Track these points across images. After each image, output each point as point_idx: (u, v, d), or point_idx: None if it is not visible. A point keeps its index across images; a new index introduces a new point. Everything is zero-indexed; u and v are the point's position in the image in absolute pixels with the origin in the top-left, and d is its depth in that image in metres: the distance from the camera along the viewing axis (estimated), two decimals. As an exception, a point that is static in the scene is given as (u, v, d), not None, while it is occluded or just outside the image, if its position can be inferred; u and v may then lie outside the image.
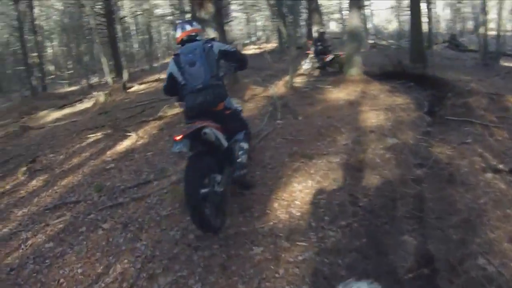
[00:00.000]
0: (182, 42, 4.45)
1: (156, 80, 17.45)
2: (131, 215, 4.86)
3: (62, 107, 14.90)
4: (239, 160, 4.43)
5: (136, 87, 16.66)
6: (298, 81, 11.15)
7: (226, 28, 35.82)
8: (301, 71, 13.16)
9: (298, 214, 4.28)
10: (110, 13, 19.96)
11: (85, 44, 21.45)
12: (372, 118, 7.15)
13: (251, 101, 8.74)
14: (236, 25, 40.25)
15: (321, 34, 14.04)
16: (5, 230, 5.47)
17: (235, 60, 4.62)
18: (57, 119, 12.56)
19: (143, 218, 4.70)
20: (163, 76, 18.31)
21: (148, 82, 17.46)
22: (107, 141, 8.28)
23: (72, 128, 10.51)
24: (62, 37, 30.19)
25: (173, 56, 4.41)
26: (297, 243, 3.76)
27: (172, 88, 4.52)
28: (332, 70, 12.97)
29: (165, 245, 4.07)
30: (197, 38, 4.47)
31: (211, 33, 8.87)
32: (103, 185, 5.95)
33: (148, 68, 24.15)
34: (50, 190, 6.40)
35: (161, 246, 4.07)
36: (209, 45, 4.28)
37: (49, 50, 35.19)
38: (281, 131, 6.76)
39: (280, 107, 7.88)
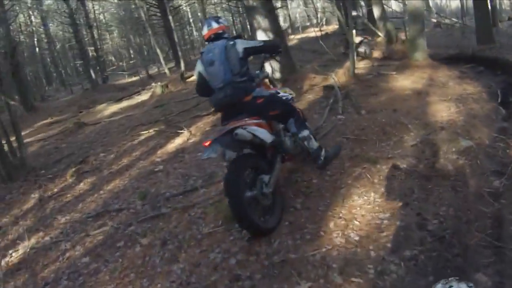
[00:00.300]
0: (210, 40, 4.46)
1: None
2: (172, 230, 4.56)
3: (120, 99, 15.15)
4: (310, 151, 4.48)
5: (195, 76, 16.52)
6: (361, 66, 10.43)
7: (285, 12, 35.42)
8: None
9: (357, 238, 3.70)
10: (162, 3, 19.97)
11: (142, 35, 21.48)
12: (442, 111, 6.40)
13: (309, 92, 8.19)
14: (295, 8, 39.44)
15: (354, 17, 13.63)
16: (46, 238, 5.49)
17: (266, 51, 4.74)
18: (114, 113, 12.74)
19: (183, 235, 4.38)
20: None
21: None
22: (159, 139, 8.16)
23: (127, 124, 10.56)
24: (120, 29, 31.00)
25: (200, 55, 4.51)
26: (352, 278, 3.20)
27: (204, 87, 4.56)
28: (360, 55, 13.01)
29: (203, 270, 3.70)
30: (225, 35, 4.45)
31: (260, 20, 8.41)
32: (148, 191, 5.77)
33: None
34: (95, 195, 6.36)
35: (199, 271, 3.70)
36: (231, 42, 4.25)
37: (109, 42, 36.42)
38: (342, 128, 6.18)
39: (341, 99, 7.28)
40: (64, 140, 10.80)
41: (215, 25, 4.47)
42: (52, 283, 4.39)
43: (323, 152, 4.55)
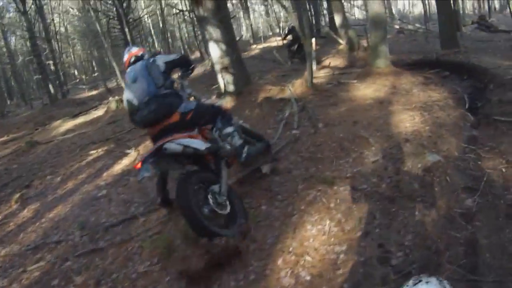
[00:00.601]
0: (130, 64, 4.44)
1: (176, 80, 16.86)
2: (107, 267, 4.22)
3: (76, 115, 14.58)
4: (234, 146, 4.36)
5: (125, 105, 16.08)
6: (321, 75, 9.98)
7: (247, 22, 35.11)
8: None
9: (308, 278, 3.30)
10: (120, 16, 19.43)
11: (103, 48, 20.78)
12: (406, 121, 5.93)
13: (264, 105, 7.75)
14: (258, 18, 39.20)
15: (291, 28, 15.39)
16: None
17: (183, 65, 4.59)
18: (68, 131, 12.22)
19: (118, 273, 4.04)
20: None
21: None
22: (107, 159, 7.76)
23: (79, 142, 10.10)
24: (82, 41, 30.20)
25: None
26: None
27: (136, 113, 4.20)
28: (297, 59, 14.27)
29: (134, 318, 3.37)
30: (144, 57, 4.44)
31: (212, 31, 8.05)
32: (88, 220, 5.39)
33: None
34: (37, 223, 5.96)
35: (130, 319, 3.37)
36: (151, 60, 4.25)
37: (72, 55, 35.46)
38: (296, 146, 5.78)
39: (297, 112, 6.87)
40: (16, 160, 10.24)
41: (134, 49, 4.57)
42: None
43: (245, 149, 4.43)
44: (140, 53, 4.50)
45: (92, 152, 8.57)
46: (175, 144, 3.72)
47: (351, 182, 4.48)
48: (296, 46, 15.03)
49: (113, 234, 4.87)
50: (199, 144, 3.90)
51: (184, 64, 4.59)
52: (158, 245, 4.08)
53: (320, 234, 3.77)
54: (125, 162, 7.15)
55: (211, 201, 3.79)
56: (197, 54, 26.26)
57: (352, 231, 3.69)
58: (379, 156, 4.98)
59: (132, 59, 4.44)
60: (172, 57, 4.43)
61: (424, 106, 6.41)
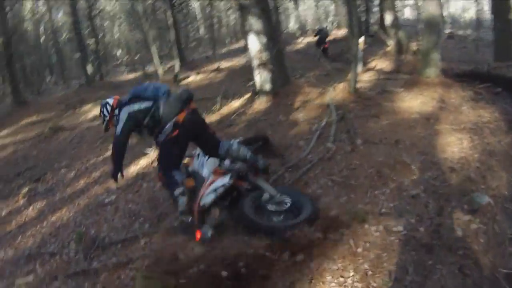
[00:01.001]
0: None
1: (215, 70, 16.44)
2: None
3: (108, 100, 14.32)
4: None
5: (191, 78, 15.76)
6: (365, 79, 9.28)
7: (294, 13, 34.22)
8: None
9: None
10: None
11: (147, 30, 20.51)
12: (453, 144, 5.27)
13: (301, 110, 7.11)
14: (307, 10, 38.09)
15: (320, 29, 18.14)
16: None
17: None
18: (96, 117, 11.91)
19: None
20: (224, 65, 17.51)
21: (206, 72, 16.48)
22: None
23: (102, 132, 9.72)
24: (128, 21, 30.14)
25: None
26: None
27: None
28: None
29: None
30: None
31: (253, 21, 7.40)
32: (87, 232, 5.01)
33: (212, 55, 23.16)
34: (38, 227, 5.68)
35: None
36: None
37: (117, 35, 35.57)
38: (329, 165, 5.15)
39: (335, 122, 6.21)
40: (36, 146, 10.11)
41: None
42: None
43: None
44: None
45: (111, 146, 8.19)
46: (207, 196, 4.08)
47: (385, 221, 3.85)
48: (321, 48, 16.79)
49: (109, 254, 4.45)
50: (222, 180, 4.19)
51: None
52: (150, 284, 3.54)
53: None
54: (142, 163, 6.72)
55: (271, 208, 4.13)
56: (241, 43, 25.73)
57: None
58: (420, 188, 4.34)
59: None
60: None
61: (473, 128, 5.72)
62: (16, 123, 14.14)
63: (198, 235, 3.89)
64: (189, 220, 4.09)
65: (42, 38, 30.19)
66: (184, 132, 4.11)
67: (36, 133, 11.34)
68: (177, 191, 4.07)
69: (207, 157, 4.55)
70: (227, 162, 4.45)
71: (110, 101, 4.41)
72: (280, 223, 3.96)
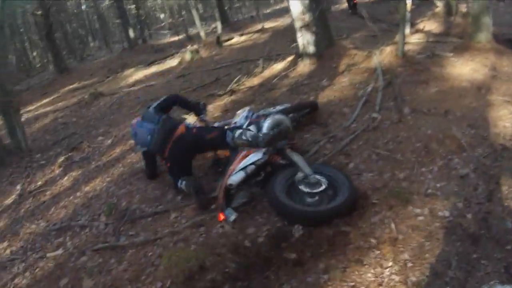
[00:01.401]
0: None
1: (259, 31, 16.01)
2: (118, 275, 3.66)
3: (150, 64, 14.29)
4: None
5: (235, 39, 15.44)
6: (413, 41, 8.75)
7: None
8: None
9: None
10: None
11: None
12: (505, 118, 4.84)
13: (346, 74, 6.75)
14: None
15: None
16: (7, 252, 4.94)
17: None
18: (137, 82, 11.97)
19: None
20: (268, 25, 17.03)
21: (250, 33, 16.09)
22: (162, 124, 7.20)
23: (143, 97, 9.70)
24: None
25: None
26: None
27: None
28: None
29: None
30: None
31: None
32: (119, 204, 4.89)
33: (255, 15, 22.59)
34: (71, 197, 5.63)
35: None
36: None
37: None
38: (373, 136, 4.83)
39: (381, 89, 5.84)
40: (77, 112, 10.17)
41: None
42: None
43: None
44: None
45: (150, 111, 8.09)
46: (235, 175, 3.93)
47: (430, 204, 3.54)
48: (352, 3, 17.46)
49: (138, 228, 4.32)
50: (255, 156, 4.03)
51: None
52: (176, 261, 3.41)
53: (376, 283, 2.89)
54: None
55: (304, 188, 3.84)
56: (286, 3, 25.01)
57: (416, 287, 2.78)
58: (470, 168, 4.00)
59: None
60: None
61: None
62: (57, 90, 14.42)
63: (221, 217, 3.81)
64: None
65: (83, 6, 30.50)
66: (174, 162, 4.59)
67: (76, 100, 11.45)
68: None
69: (245, 126, 4.40)
70: (265, 130, 4.25)
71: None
72: (312, 208, 3.74)
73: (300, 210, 3.65)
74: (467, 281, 2.76)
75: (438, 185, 3.79)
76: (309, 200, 3.79)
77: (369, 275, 2.94)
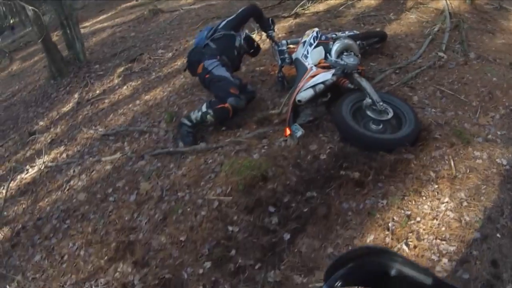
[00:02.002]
0: None
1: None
2: (177, 180, 3.71)
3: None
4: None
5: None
6: None
7: None
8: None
9: None
10: None
11: None
12: None
13: (413, 11, 6.43)
14: None
15: None
16: (63, 156, 5.17)
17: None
18: (197, 0, 11.67)
19: (185, 192, 3.51)
20: None
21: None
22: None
23: (204, 15, 9.49)
24: None
25: None
26: None
27: None
28: None
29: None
30: None
31: None
32: (180, 113, 4.85)
33: None
34: (130, 105, 5.68)
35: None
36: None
37: None
38: (439, 74, 4.67)
39: (448, 30, 5.57)
40: (136, 28, 10.11)
41: None
42: (44, 219, 4.20)
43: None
44: None
45: (211, 26, 7.93)
46: (304, 92, 3.88)
47: (490, 149, 3.47)
48: None
49: (199, 136, 4.30)
50: (324, 76, 3.97)
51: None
52: (237, 170, 3.38)
53: (431, 215, 2.91)
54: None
55: (371, 114, 3.82)
56: None
57: (469, 226, 2.78)
58: None
59: None
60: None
61: None
62: (114, 8, 14.36)
63: (288, 132, 3.79)
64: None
65: None
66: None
67: (135, 16, 11.37)
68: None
69: (313, 46, 4.30)
70: (334, 55, 4.25)
71: None
72: (377, 135, 3.69)
73: (366, 135, 3.63)
74: None
75: (499, 132, 3.70)
76: (373, 127, 3.77)
77: (426, 207, 2.98)
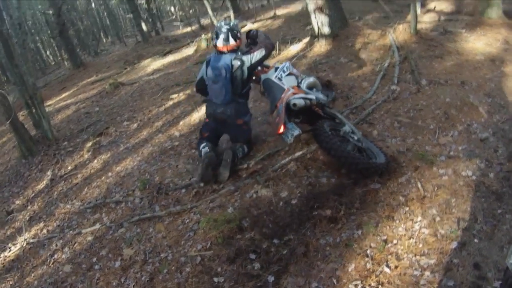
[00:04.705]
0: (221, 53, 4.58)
1: (271, 17, 16.00)
2: (158, 242, 3.83)
3: (166, 53, 14.37)
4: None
5: (248, 27, 15.41)
6: (425, 20, 8.93)
7: None
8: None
9: None
10: None
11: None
12: None
13: (362, 51, 6.90)
14: None
15: None
16: (44, 231, 5.16)
17: (268, 57, 4.69)
18: (155, 70, 12.06)
19: (167, 253, 3.61)
20: (281, 12, 17.01)
21: (262, 19, 16.09)
22: (186, 105, 7.37)
23: (163, 83, 9.81)
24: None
25: (205, 61, 4.82)
26: None
27: (203, 89, 4.94)
28: None
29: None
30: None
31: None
32: (152, 180, 5.01)
33: (267, 3, 22.50)
34: (103, 177, 5.77)
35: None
36: (239, 63, 4.43)
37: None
38: (394, 106, 5.02)
39: (398, 63, 6.03)
40: (99, 102, 10.28)
41: (232, 42, 4.49)
42: (34, 292, 4.15)
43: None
44: (236, 47, 4.54)
45: (173, 96, 8.25)
46: (298, 99, 4.07)
47: (454, 165, 3.74)
48: None
49: (173, 199, 4.46)
50: (308, 95, 4.21)
51: (269, 54, 4.68)
52: (215, 225, 3.55)
53: (407, 236, 3.09)
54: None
55: (350, 139, 4.02)
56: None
57: (446, 238, 2.97)
58: (488, 132, 4.27)
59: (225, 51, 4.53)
60: (256, 56, 4.45)
61: None
62: (76, 84, 14.55)
63: (282, 129, 3.96)
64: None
65: (93, 4, 30.67)
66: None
67: (97, 91, 11.56)
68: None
69: (286, 73, 4.61)
70: (304, 87, 4.55)
71: None
72: (367, 159, 3.79)
73: (361, 159, 3.71)
74: (494, 233, 2.92)
75: (460, 148, 4.00)
76: (356, 153, 3.87)
77: (400, 229, 3.14)
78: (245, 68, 4.44)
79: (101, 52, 23.32)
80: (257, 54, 4.44)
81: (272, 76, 4.55)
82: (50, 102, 12.67)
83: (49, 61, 29.29)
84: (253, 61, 4.42)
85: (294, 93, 4.17)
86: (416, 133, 4.39)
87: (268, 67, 4.82)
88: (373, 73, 6.10)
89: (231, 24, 4.62)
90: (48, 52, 30.36)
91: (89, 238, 4.42)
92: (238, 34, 4.57)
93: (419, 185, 3.51)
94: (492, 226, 3.01)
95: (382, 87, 5.57)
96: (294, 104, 4.01)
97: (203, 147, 4.64)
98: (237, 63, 4.40)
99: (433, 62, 6.08)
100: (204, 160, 4.40)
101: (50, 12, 17.42)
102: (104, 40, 29.97)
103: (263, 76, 4.69)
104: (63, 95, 13.36)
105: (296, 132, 3.93)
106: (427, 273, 2.71)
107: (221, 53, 4.55)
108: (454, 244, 2.86)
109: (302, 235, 3.33)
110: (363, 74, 6.15)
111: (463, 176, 3.55)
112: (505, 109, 4.63)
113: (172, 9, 35.28)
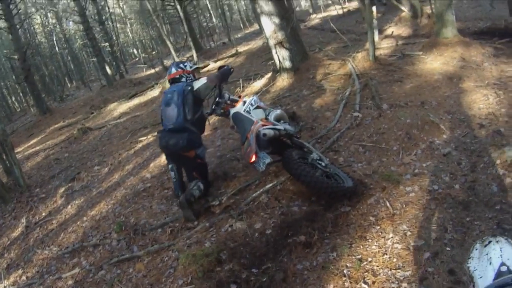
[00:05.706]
0: (172, 81, 4.98)
1: (233, 55, 16.42)
2: (139, 281, 3.88)
3: (132, 97, 14.51)
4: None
5: (211, 66, 15.77)
6: (384, 46, 9.36)
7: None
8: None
9: None
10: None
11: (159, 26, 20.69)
12: (479, 101, 5.38)
13: (324, 82, 7.19)
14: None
15: None
16: (23, 278, 5.08)
17: (215, 86, 4.89)
18: (122, 114, 12.17)
19: None
20: (242, 49, 17.47)
21: (224, 57, 16.49)
22: (155, 146, 7.45)
23: (130, 127, 9.94)
24: (139, 20, 30.46)
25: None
26: None
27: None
28: None
29: None
30: (182, 79, 4.90)
31: (263, 4, 7.48)
32: (127, 222, 5.08)
33: (228, 41, 23.10)
34: (78, 222, 5.76)
35: None
36: (189, 87, 4.69)
37: (130, 35, 35.84)
38: (358, 132, 5.24)
39: (359, 91, 6.29)
40: (68, 148, 10.29)
41: (173, 70, 4.95)
42: None
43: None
44: (178, 76, 4.91)
45: (142, 138, 8.35)
46: (268, 130, 4.15)
47: (419, 182, 3.95)
48: None
49: (151, 239, 4.53)
50: (276, 127, 4.33)
51: (215, 86, 4.89)
52: (194, 260, 3.64)
53: (381, 252, 3.23)
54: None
55: (318, 166, 4.14)
56: (256, 27, 25.68)
57: (418, 250, 3.12)
58: (451, 146, 4.49)
59: (170, 80, 5.00)
60: (199, 84, 4.73)
61: (497, 83, 5.90)
62: (43, 131, 14.47)
63: (253, 158, 3.99)
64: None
65: (56, 48, 30.67)
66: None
67: (65, 137, 11.56)
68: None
69: (254, 107, 4.78)
70: (272, 119, 4.68)
71: None
72: (332, 183, 3.91)
73: (330, 183, 3.85)
74: (465, 240, 3.10)
75: (424, 164, 4.20)
76: (326, 178, 3.99)
77: (374, 247, 3.27)
78: (194, 92, 4.68)
79: (67, 97, 23.24)
80: (200, 82, 4.74)
81: (241, 109, 4.70)
82: (19, 149, 12.53)
83: (15, 107, 28.96)
84: (195, 87, 4.68)
85: (263, 125, 4.27)
86: (381, 156, 4.60)
87: (236, 101, 5.00)
88: (335, 102, 6.33)
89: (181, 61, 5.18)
90: (13, 98, 30.07)
91: (70, 282, 4.42)
92: (181, 65, 4.97)
93: (388, 204, 3.70)
94: (462, 233, 3.19)
95: (345, 115, 5.79)
96: (264, 134, 4.09)
97: (171, 170, 4.90)
98: (187, 88, 4.66)
99: (393, 86, 6.35)
100: (179, 205, 4.59)
101: (16, 57, 17.37)
102: (69, 85, 29.88)
103: (232, 110, 4.82)
104: (32, 142, 13.26)
105: (267, 160, 3.99)
106: (404, 284, 2.84)
107: (173, 82, 4.93)
108: (427, 255, 3.01)
109: (279, 262, 3.45)
110: (326, 104, 6.38)
111: (429, 190, 3.76)
112: (465, 123, 4.87)
113: (135, 51, 35.59)
